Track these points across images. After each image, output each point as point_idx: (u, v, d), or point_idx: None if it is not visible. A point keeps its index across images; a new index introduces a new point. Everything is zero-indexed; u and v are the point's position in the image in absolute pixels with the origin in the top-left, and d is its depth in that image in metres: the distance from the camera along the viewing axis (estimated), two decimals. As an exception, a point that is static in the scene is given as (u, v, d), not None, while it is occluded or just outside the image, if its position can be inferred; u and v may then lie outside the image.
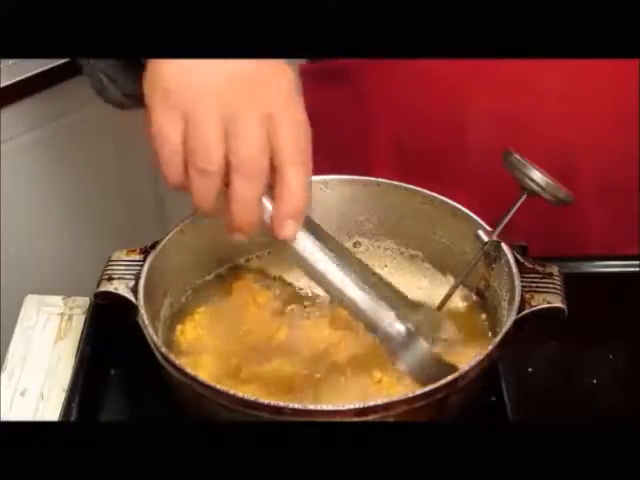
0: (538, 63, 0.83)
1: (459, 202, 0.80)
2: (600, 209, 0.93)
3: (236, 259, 0.83)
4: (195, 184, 0.63)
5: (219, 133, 0.62)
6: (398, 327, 0.70)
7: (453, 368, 0.68)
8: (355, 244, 0.86)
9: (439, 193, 0.81)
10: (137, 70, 0.67)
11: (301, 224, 0.66)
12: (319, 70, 0.98)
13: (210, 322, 0.79)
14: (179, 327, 0.78)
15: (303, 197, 0.65)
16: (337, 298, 0.70)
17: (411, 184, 0.82)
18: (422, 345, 0.71)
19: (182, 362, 0.68)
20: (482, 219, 0.78)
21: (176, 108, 0.62)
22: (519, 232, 0.76)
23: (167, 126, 0.62)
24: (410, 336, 0.71)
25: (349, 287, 0.69)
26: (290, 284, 0.82)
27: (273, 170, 0.64)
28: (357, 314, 0.70)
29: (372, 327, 0.71)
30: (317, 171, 1.05)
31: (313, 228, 0.69)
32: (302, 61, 1.01)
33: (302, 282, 0.81)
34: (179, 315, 0.79)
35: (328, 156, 1.02)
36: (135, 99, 0.75)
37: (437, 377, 0.66)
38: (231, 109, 0.62)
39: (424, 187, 0.81)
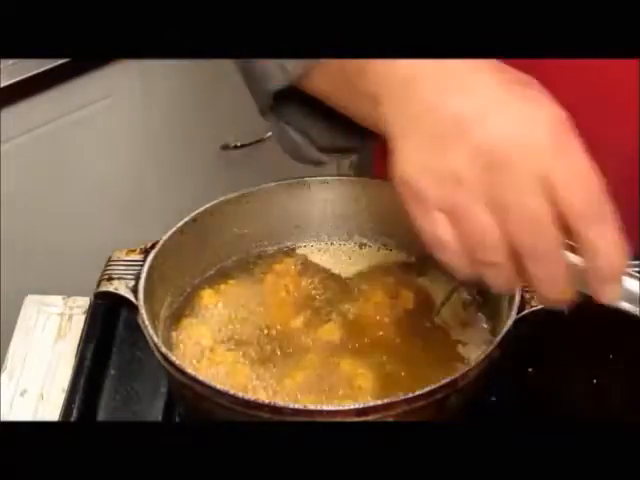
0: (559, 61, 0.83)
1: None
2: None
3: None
4: (490, 275, 0.58)
5: (488, 215, 0.55)
6: None
7: None
8: (361, 246, 0.86)
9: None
10: (332, 121, 0.65)
11: (620, 282, 0.58)
12: None
13: (232, 294, 0.80)
14: (200, 291, 0.80)
15: (615, 256, 0.56)
16: None
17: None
18: None
19: (185, 323, 0.75)
20: None
21: (435, 206, 0.57)
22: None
23: (434, 227, 0.58)
24: None
25: None
26: (330, 278, 0.82)
27: (568, 229, 0.56)
28: None
29: None
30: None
31: None
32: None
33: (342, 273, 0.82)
34: (208, 283, 0.81)
35: None
36: (333, 151, 0.72)
37: None
38: (497, 177, 0.54)
39: None
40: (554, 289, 0.57)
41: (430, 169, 0.57)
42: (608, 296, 0.58)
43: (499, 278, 0.57)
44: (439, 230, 0.57)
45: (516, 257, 0.55)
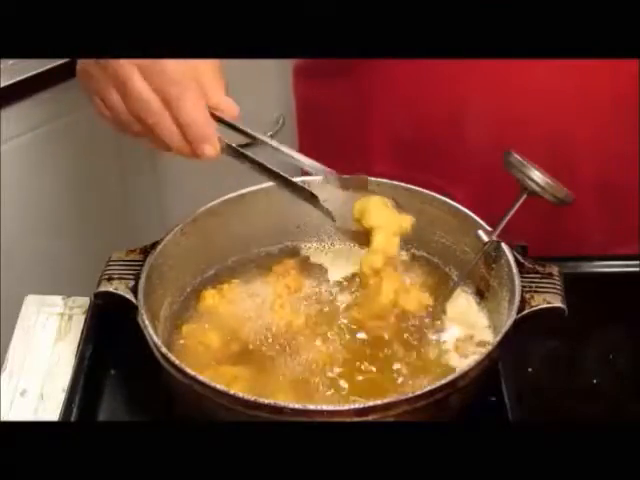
0: (537, 61, 0.83)
1: (454, 198, 0.80)
2: (598, 208, 0.94)
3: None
4: (157, 130, 0.71)
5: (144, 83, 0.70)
6: None
7: None
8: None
9: (435, 188, 0.81)
10: None
11: (215, 140, 0.73)
12: (316, 65, 0.98)
13: (234, 295, 0.80)
14: (204, 292, 0.80)
15: (201, 121, 0.71)
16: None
17: (407, 178, 0.82)
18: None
19: (185, 323, 0.77)
20: (477, 215, 0.78)
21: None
22: (519, 232, 0.76)
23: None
24: None
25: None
26: (330, 277, 0.82)
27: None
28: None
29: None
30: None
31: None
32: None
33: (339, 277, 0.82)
34: (209, 283, 0.82)
35: (327, 150, 1.03)
36: None
37: None
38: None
39: (420, 182, 0.81)
40: (199, 132, 0.71)
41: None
42: (208, 152, 0.73)
43: (164, 131, 0.70)
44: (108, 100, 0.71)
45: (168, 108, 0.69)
